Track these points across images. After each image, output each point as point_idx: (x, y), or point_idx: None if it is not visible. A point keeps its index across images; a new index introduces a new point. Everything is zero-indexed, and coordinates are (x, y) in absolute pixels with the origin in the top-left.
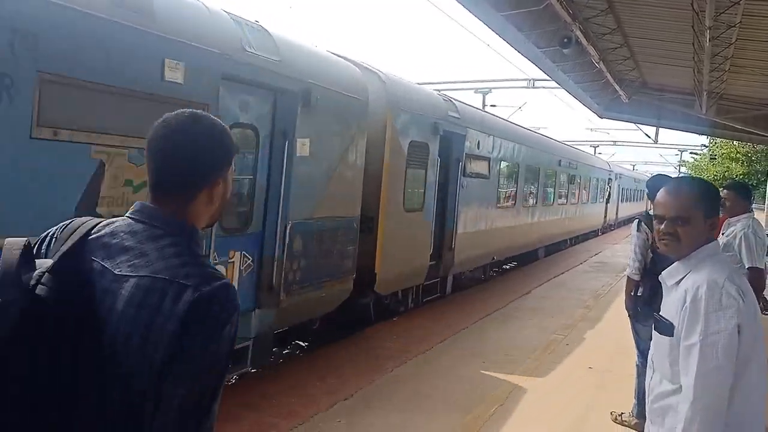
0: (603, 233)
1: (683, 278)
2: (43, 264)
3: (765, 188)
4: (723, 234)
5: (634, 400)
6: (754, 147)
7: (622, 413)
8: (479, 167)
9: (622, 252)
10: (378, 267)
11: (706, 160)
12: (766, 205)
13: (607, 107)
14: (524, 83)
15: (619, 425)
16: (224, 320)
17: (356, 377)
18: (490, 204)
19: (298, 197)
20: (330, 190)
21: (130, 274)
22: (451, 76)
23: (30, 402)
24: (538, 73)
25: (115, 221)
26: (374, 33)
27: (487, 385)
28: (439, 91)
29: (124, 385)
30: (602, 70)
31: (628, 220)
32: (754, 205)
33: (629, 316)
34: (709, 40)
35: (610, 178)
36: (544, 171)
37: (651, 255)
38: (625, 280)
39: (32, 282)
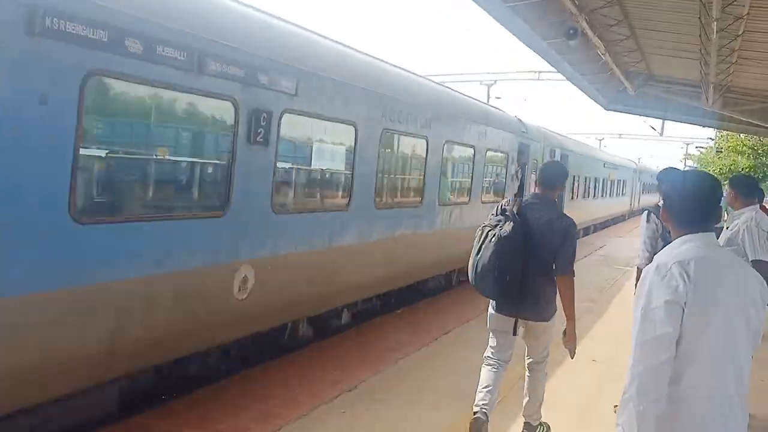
0: None
1: None
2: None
3: None
4: (727, 228)
5: None
6: (760, 140)
7: None
8: None
9: (627, 246)
10: None
11: (712, 153)
12: None
13: (612, 100)
14: (530, 75)
15: None
16: (574, 229)
17: (360, 369)
18: None
19: None
20: None
21: (541, 216)
22: (456, 69)
23: (524, 253)
24: (544, 65)
25: (518, 199)
26: (376, 23)
27: None
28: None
29: (545, 250)
30: (608, 62)
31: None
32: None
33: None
34: (716, 32)
35: (521, 151)
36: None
37: (662, 244)
38: (630, 273)
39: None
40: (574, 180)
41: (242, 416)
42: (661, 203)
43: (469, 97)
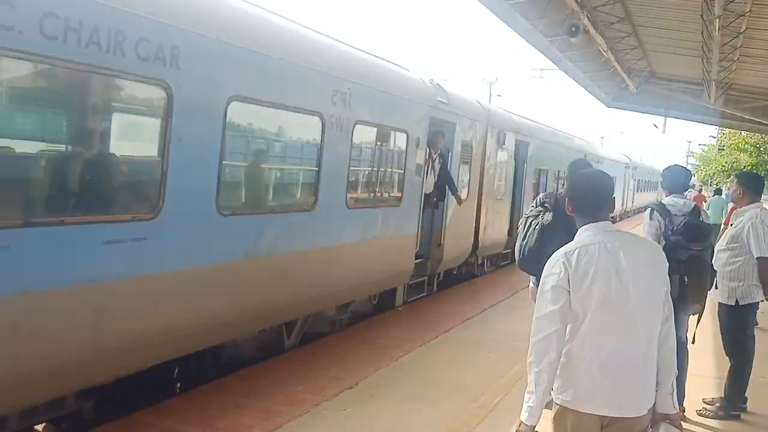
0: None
1: None
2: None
3: None
4: (732, 225)
5: None
6: (763, 137)
7: None
8: None
9: None
10: None
11: (714, 150)
12: None
13: (615, 97)
14: (533, 73)
15: None
16: None
17: (361, 366)
18: None
19: None
20: None
21: None
22: (457, 68)
23: (563, 237)
24: (546, 64)
25: (555, 193)
26: (377, 24)
27: (492, 374)
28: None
29: None
30: (610, 59)
31: None
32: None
33: None
34: (718, 30)
35: (437, 131)
36: None
37: (663, 243)
38: None
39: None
40: (539, 176)
41: (243, 414)
42: (659, 199)
43: (308, 27)
